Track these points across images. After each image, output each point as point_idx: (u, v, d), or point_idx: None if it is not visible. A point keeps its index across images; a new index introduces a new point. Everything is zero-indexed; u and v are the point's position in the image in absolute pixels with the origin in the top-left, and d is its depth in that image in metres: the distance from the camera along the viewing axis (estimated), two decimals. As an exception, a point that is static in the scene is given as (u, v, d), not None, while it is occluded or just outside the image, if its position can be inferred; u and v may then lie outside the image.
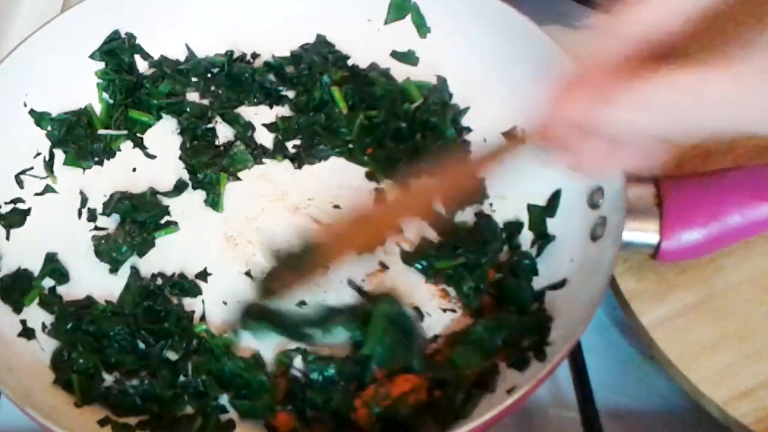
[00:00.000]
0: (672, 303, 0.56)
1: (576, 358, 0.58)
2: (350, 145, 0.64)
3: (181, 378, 0.55)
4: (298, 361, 0.55)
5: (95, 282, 0.59)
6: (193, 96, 0.67)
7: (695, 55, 0.40)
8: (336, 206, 0.61)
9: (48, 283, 0.59)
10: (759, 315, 0.55)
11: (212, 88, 0.67)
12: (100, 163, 0.64)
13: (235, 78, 0.67)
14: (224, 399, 0.54)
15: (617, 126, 0.41)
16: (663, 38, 0.42)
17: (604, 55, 0.43)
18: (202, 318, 0.58)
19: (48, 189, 0.63)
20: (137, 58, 0.67)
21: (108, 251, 0.60)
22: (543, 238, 0.59)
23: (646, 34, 0.42)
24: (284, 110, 0.67)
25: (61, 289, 0.59)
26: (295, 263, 0.53)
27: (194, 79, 0.67)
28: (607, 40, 0.43)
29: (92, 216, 0.62)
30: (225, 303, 0.58)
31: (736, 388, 0.53)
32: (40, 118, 0.64)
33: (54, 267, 0.60)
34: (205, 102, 0.67)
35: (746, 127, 0.40)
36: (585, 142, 0.43)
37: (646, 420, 0.58)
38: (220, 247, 0.61)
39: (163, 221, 0.61)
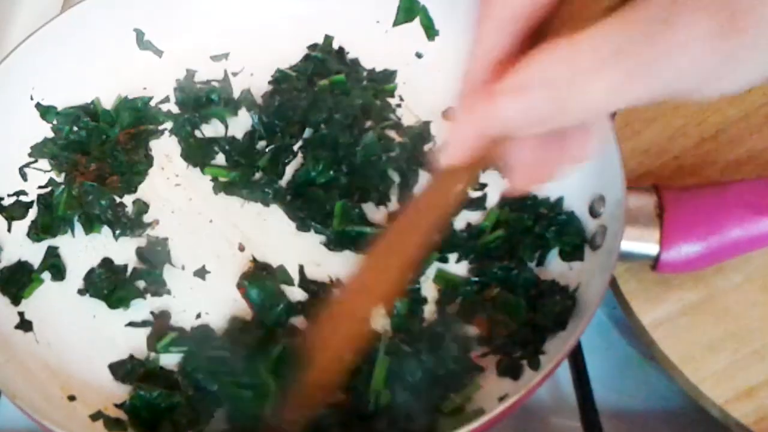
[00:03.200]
0: (672, 303, 0.56)
1: (576, 358, 0.57)
2: None
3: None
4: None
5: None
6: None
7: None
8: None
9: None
10: (759, 315, 0.55)
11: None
12: None
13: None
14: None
15: (506, 121, 0.36)
16: (540, 12, 0.37)
17: (486, 51, 0.38)
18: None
19: (51, 182, 0.63)
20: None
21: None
22: (544, 246, 0.59)
23: (521, 10, 0.36)
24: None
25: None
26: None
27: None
28: (483, 32, 0.38)
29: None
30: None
31: (737, 389, 0.52)
32: (45, 112, 0.64)
33: (54, 262, 0.60)
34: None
35: (632, 96, 0.34)
36: (510, 151, 0.39)
37: (646, 420, 0.58)
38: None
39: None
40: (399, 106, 0.66)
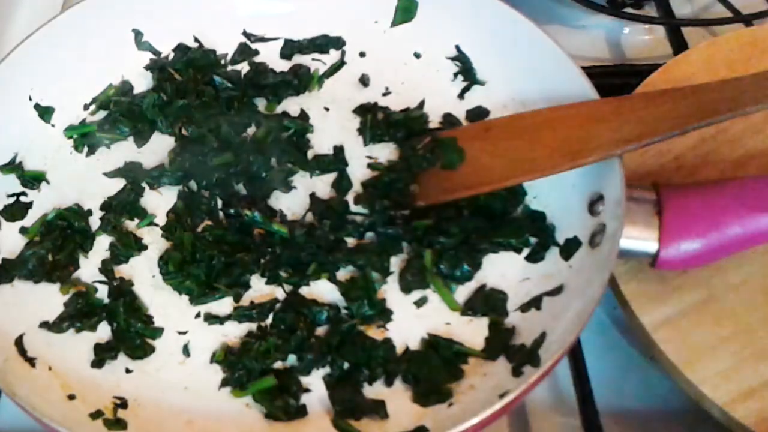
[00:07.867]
0: (673, 304, 0.56)
1: (576, 358, 0.57)
2: None
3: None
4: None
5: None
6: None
7: None
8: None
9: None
10: (760, 316, 0.55)
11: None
12: None
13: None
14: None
15: None
16: None
17: None
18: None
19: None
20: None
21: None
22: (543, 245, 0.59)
23: None
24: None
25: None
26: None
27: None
28: None
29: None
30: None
31: (738, 390, 0.52)
32: (44, 112, 0.64)
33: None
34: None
35: None
36: None
37: (646, 420, 0.58)
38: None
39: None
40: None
